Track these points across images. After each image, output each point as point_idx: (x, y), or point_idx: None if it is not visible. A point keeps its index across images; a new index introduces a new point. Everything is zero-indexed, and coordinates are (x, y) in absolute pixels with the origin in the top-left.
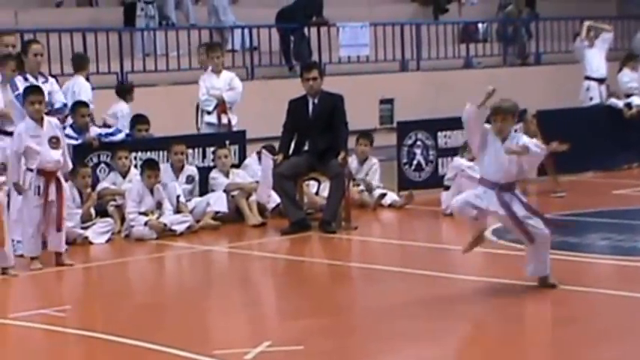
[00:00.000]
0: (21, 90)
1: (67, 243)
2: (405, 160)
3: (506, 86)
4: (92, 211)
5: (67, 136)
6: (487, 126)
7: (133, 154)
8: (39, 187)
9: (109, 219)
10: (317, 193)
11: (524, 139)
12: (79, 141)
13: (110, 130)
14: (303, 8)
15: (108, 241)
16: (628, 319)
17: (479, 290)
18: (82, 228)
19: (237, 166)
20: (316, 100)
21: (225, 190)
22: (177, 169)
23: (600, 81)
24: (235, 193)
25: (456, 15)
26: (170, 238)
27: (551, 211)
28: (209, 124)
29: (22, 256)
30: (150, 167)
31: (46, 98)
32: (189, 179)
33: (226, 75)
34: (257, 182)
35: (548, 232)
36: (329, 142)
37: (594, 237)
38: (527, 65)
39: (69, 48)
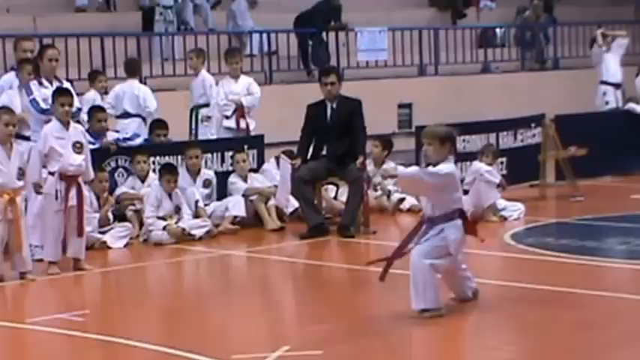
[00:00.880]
0: (35, 95)
1: (86, 248)
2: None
3: (525, 91)
4: (110, 215)
5: None
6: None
7: (152, 159)
8: (59, 191)
9: (127, 223)
10: (335, 198)
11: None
12: (97, 145)
13: (128, 135)
14: (321, 13)
15: (126, 245)
16: None
17: (497, 294)
18: (100, 232)
19: (256, 170)
20: (334, 105)
21: (243, 195)
22: (194, 173)
23: (616, 86)
24: (254, 197)
25: (474, 20)
26: (188, 242)
27: (570, 215)
28: (228, 128)
29: (40, 260)
30: (169, 172)
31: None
32: (207, 183)
33: (244, 80)
34: (275, 187)
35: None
36: (347, 147)
37: (613, 241)
38: (545, 70)
39: (87, 53)
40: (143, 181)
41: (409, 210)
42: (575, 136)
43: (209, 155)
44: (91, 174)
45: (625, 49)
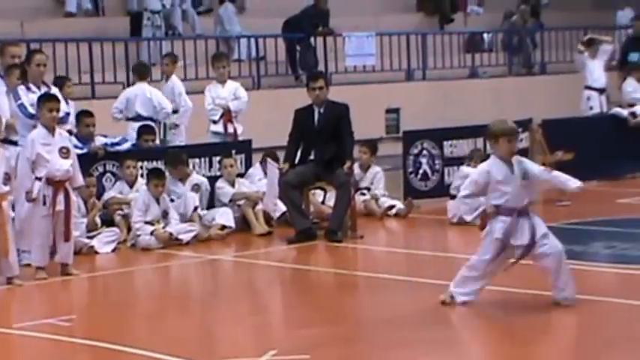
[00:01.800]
0: (23, 100)
1: (73, 252)
2: (411, 170)
3: (512, 96)
4: (98, 220)
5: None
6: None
7: (140, 164)
8: (47, 196)
9: (114, 228)
10: (323, 202)
11: None
12: (84, 150)
13: (116, 140)
14: (309, 18)
15: (114, 250)
16: (634, 328)
17: (485, 299)
18: (88, 237)
19: (244, 175)
20: (322, 110)
21: (231, 200)
22: (183, 179)
23: (600, 91)
24: (241, 202)
25: (462, 25)
26: (176, 247)
27: (557, 219)
28: (215, 133)
29: (28, 265)
30: (156, 176)
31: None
32: (195, 187)
33: (231, 85)
34: (263, 193)
35: None
36: (335, 152)
37: (599, 245)
38: (533, 75)
39: (75, 58)
40: (131, 186)
41: (396, 214)
42: (562, 140)
43: (197, 160)
44: (80, 180)
45: (609, 55)
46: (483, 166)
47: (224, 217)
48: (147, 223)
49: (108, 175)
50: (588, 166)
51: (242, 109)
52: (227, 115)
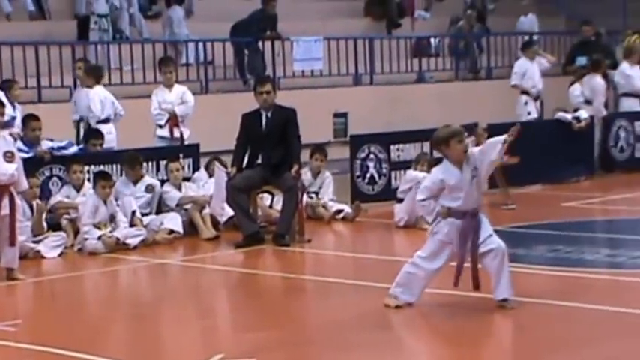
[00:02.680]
0: None
1: (19, 257)
2: (358, 174)
3: (458, 100)
4: (44, 224)
5: (18, 149)
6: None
7: (87, 168)
8: None
9: (61, 233)
10: (271, 206)
11: None
12: (31, 154)
13: (62, 144)
14: (257, 22)
15: (60, 254)
16: (574, 330)
17: (431, 302)
18: (34, 242)
19: (190, 179)
20: (269, 114)
21: (178, 204)
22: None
23: (536, 97)
24: (188, 206)
25: (409, 30)
26: (123, 251)
27: (502, 223)
28: (161, 137)
29: None
30: (103, 178)
31: None
32: (149, 188)
33: (178, 89)
34: (210, 197)
35: None
36: (282, 156)
37: (543, 249)
38: (479, 79)
39: (21, 61)
40: (78, 191)
41: (343, 218)
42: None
43: (144, 164)
44: (25, 184)
45: (545, 69)
46: (436, 174)
47: (172, 221)
48: (95, 226)
49: (54, 179)
50: (533, 170)
51: (188, 113)
52: (173, 120)
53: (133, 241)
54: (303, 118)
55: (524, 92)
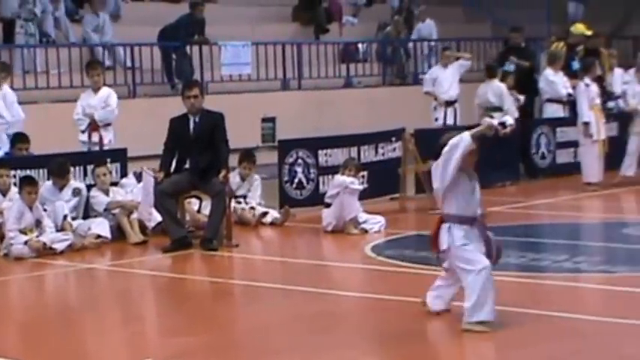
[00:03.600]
0: None
1: None
2: (286, 179)
3: (386, 105)
4: None
5: None
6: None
7: (13, 172)
8: None
9: None
10: (199, 211)
11: None
12: None
13: None
14: (185, 27)
15: None
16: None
17: (359, 306)
18: None
19: (118, 183)
20: (197, 119)
21: (106, 209)
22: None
23: (449, 103)
24: (116, 211)
25: (337, 35)
26: (50, 256)
27: (429, 227)
28: (83, 142)
29: None
30: (28, 183)
31: None
32: (76, 192)
33: (104, 92)
34: (138, 202)
35: None
36: (210, 160)
37: None
38: (406, 85)
39: None
40: (4, 195)
41: (272, 223)
42: (434, 150)
43: (71, 169)
44: None
45: (466, 68)
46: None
47: (100, 227)
48: (21, 231)
49: None
50: None
51: (108, 117)
52: (94, 124)
53: (59, 246)
54: (231, 123)
55: (436, 99)
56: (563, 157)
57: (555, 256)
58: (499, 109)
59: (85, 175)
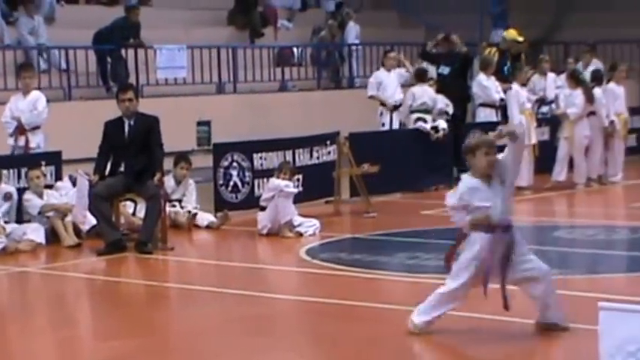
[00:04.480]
0: None
1: None
2: (221, 182)
3: (320, 109)
4: None
5: None
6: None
7: None
8: None
9: None
10: (134, 214)
11: None
12: None
13: None
14: (120, 30)
15: None
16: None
17: (294, 309)
18: None
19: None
20: (132, 122)
21: (40, 212)
22: None
23: (394, 107)
24: (51, 214)
25: (272, 39)
26: None
27: (364, 230)
28: (11, 145)
29: None
30: None
31: None
32: (7, 196)
33: (33, 95)
34: (73, 205)
35: None
36: (145, 164)
37: (403, 256)
38: (341, 89)
39: None
40: None
41: (207, 226)
42: (368, 153)
43: (5, 172)
44: None
45: (405, 80)
46: (462, 192)
47: (35, 232)
48: None
49: None
50: (393, 178)
51: (35, 121)
52: (21, 128)
53: None
54: (167, 126)
55: (382, 104)
56: None
57: None
58: (429, 112)
59: (19, 178)
